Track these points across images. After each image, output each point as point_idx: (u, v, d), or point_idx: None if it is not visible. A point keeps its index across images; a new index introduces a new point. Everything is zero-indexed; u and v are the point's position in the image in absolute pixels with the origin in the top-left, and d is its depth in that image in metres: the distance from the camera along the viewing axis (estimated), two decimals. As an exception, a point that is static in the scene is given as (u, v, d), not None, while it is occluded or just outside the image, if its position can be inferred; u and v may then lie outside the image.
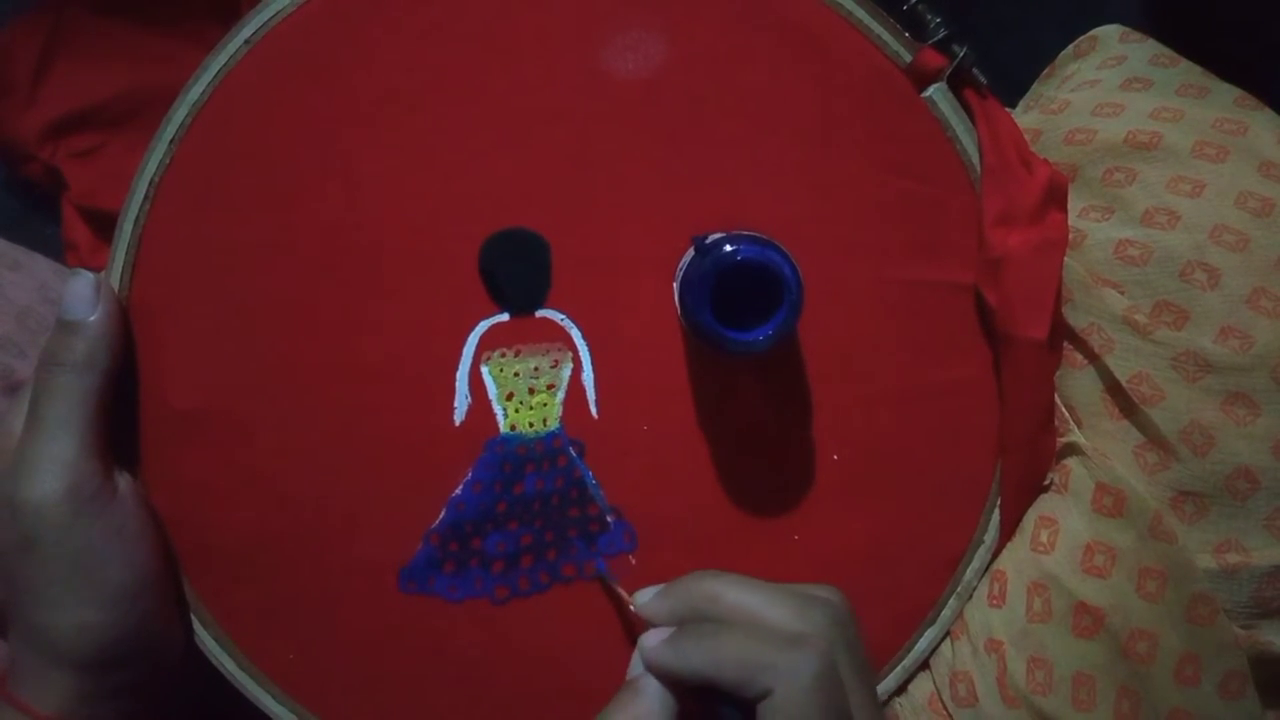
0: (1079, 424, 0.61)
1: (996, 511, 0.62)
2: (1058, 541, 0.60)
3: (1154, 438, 0.58)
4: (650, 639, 0.53)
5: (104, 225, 0.66)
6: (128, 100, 0.68)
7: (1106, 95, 0.63)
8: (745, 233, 0.56)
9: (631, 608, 0.57)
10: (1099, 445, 0.60)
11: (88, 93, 0.68)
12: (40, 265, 0.69)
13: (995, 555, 0.63)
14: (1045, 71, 0.70)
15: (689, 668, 0.51)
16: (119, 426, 0.57)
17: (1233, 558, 0.56)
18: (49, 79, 0.68)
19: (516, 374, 0.60)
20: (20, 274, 0.68)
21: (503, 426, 0.60)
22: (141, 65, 0.68)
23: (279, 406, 0.59)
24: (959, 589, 0.62)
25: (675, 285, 0.58)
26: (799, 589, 0.54)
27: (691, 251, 0.55)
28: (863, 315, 0.61)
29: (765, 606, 0.52)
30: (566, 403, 0.60)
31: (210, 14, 0.67)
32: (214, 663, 0.60)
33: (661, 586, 0.56)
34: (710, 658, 0.50)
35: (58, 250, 0.69)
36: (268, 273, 0.58)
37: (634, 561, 0.61)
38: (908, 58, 0.60)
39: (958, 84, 0.61)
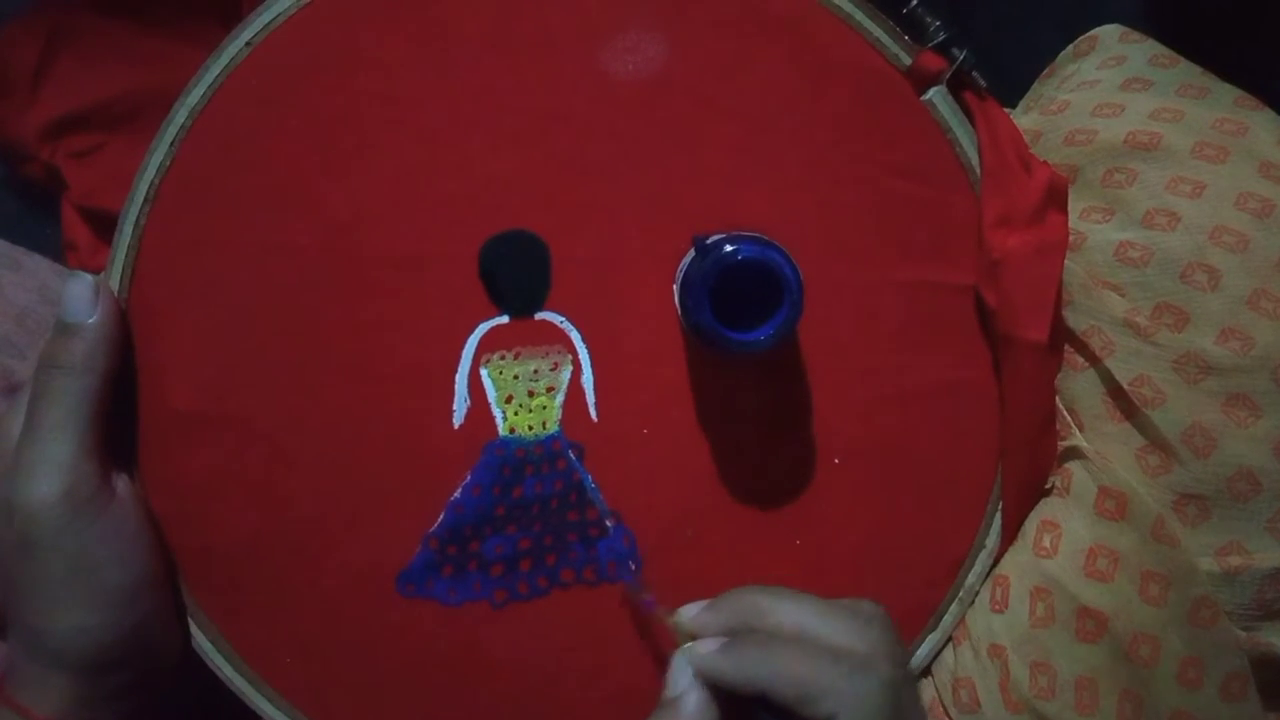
0: (1080, 427, 0.61)
1: (998, 515, 0.62)
2: (1060, 545, 0.60)
3: (1156, 440, 0.58)
4: (702, 646, 0.52)
5: (104, 225, 0.66)
6: (128, 100, 0.68)
7: (1106, 95, 0.63)
8: (745, 233, 0.56)
9: (669, 622, 0.55)
10: (1101, 448, 0.60)
11: (88, 93, 0.68)
12: (40, 266, 0.69)
13: (997, 560, 0.63)
14: (1045, 71, 0.70)
15: (745, 678, 0.50)
16: (117, 428, 0.57)
17: (1234, 560, 0.56)
18: (49, 79, 0.68)
19: (516, 376, 0.60)
20: (20, 275, 0.68)
21: (502, 429, 0.60)
22: (141, 65, 0.68)
23: (278, 409, 0.59)
24: (961, 594, 0.62)
25: (675, 286, 0.58)
26: (847, 604, 0.54)
27: (692, 252, 0.55)
28: (863, 317, 0.61)
29: (821, 623, 0.52)
30: (566, 405, 0.60)
31: (211, 15, 0.67)
32: (211, 666, 0.60)
33: (707, 601, 0.55)
34: (769, 670, 0.50)
35: (58, 251, 0.69)
36: (267, 275, 0.58)
37: (633, 566, 0.61)
38: (907, 61, 0.60)
39: (957, 86, 0.61)
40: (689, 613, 0.55)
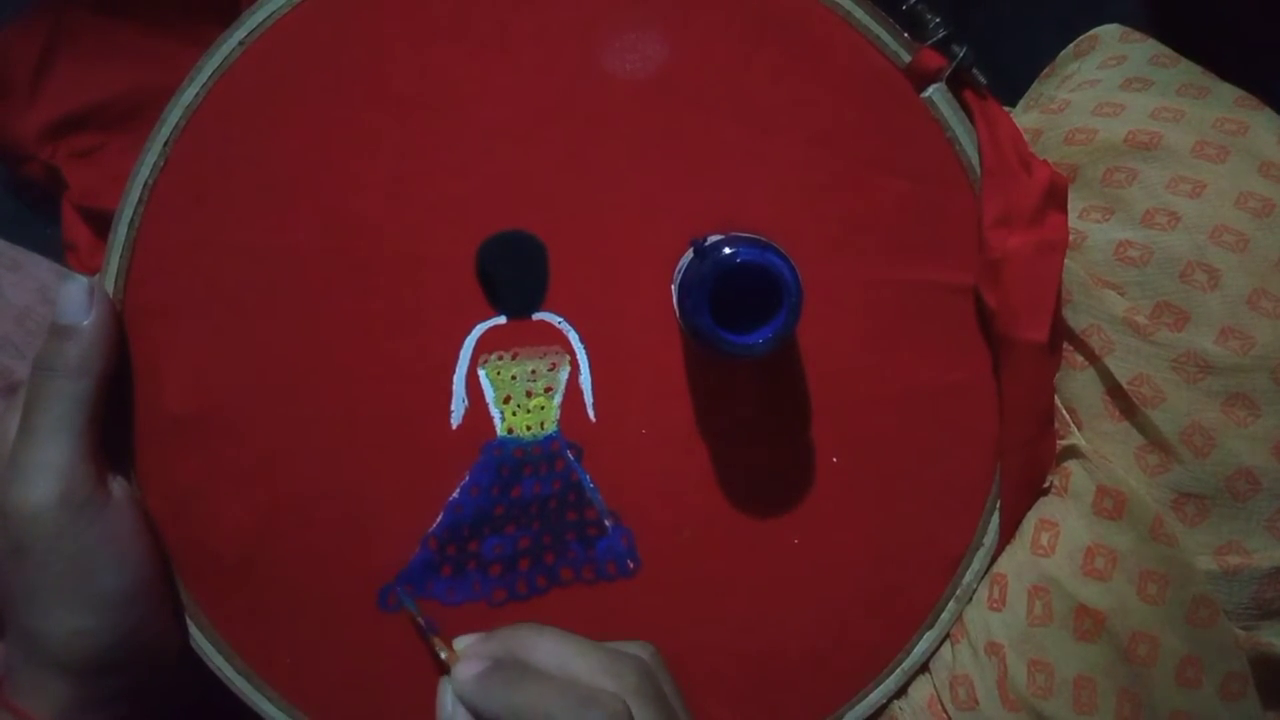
0: (1079, 426, 0.61)
1: (996, 514, 0.62)
2: (1058, 544, 0.60)
3: (1155, 439, 0.58)
4: (463, 670, 0.54)
5: (104, 226, 0.66)
6: (128, 100, 0.68)
7: (1107, 95, 0.63)
8: (744, 234, 0.56)
9: (442, 655, 0.57)
10: (1099, 447, 0.60)
11: (88, 93, 0.68)
12: (40, 266, 0.69)
13: (995, 558, 0.62)
14: (1045, 71, 0.70)
15: (490, 708, 0.52)
16: (113, 431, 0.57)
17: (1233, 559, 0.56)
18: (49, 79, 0.68)
19: (514, 377, 0.60)
20: (20, 275, 0.68)
21: (500, 430, 0.60)
22: (141, 65, 0.68)
23: (275, 410, 0.59)
24: (958, 592, 0.62)
25: (673, 288, 0.58)
26: (612, 646, 0.56)
27: (690, 254, 0.55)
28: (861, 317, 0.61)
29: (576, 659, 0.53)
30: (564, 406, 0.60)
31: (210, 14, 0.67)
32: (210, 667, 0.60)
33: (483, 633, 0.57)
34: (510, 702, 0.52)
35: (57, 251, 0.69)
36: (263, 275, 0.58)
37: (633, 566, 0.61)
38: (907, 58, 0.60)
39: (957, 84, 0.61)
40: (465, 641, 0.57)
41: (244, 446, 0.59)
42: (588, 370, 0.60)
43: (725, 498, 0.61)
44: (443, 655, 0.57)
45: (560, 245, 0.59)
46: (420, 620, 0.59)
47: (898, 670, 0.63)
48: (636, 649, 0.56)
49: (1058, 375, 0.61)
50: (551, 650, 0.54)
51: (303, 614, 0.60)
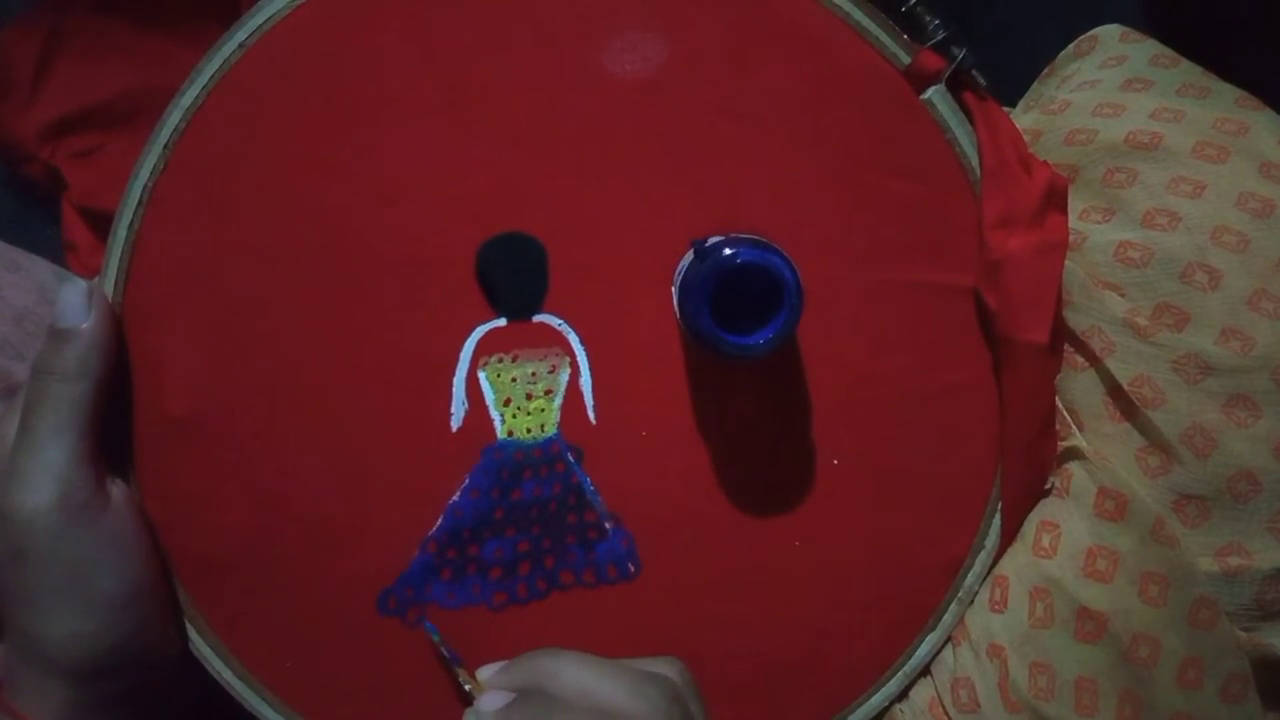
0: (1080, 427, 0.61)
1: (998, 516, 0.62)
2: (1059, 546, 0.60)
3: (1156, 440, 0.58)
4: (486, 704, 0.53)
5: (104, 226, 0.66)
6: (128, 100, 0.68)
7: (1107, 95, 0.63)
8: (744, 235, 0.56)
9: (466, 687, 0.57)
10: (1100, 448, 0.60)
11: (88, 93, 0.68)
12: (39, 267, 0.69)
13: (996, 560, 0.62)
14: (1045, 71, 0.70)
15: None
16: (113, 434, 0.57)
17: (1234, 561, 0.56)
18: (49, 79, 0.68)
19: (514, 379, 0.60)
20: (19, 275, 0.68)
21: (500, 432, 0.60)
22: (141, 65, 0.68)
23: (275, 413, 0.59)
24: (960, 594, 0.62)
25: (674, 289, 0.58)
26: (638, 665, 0.55)
27: (690, 255, 0.55)
28: (862, 318, 0.61)
29: (601, 684, 0.53)
30: (564, 408, 0.60)
31: (210, 14, 0.67)
32: (210, 671, 0.60)
33: (505, 662, 0.56)
34: None
35: (57, 251, 0.69)
36: (263, 278, 0.58)
37: (633, 569, 0.61)
38: (906, 59, 0.59)
39: (957, 86, 0.61)
40: (487, 671, 0.56)
41: (243, 449, 0.59)
42: (588, 372, 0.60)
43: (726, 500, 0.61)
44: (466, 687, 0.57)
45: (560, 247, 0.59)
46: (445, 651, 0.59)
47: (899, 673, 0.63)
48: (664, 667, 0.55)
49: (1059, 377, 0.61)
50: (575, 677, 0.53)
51: (302, 617, 0.60)
